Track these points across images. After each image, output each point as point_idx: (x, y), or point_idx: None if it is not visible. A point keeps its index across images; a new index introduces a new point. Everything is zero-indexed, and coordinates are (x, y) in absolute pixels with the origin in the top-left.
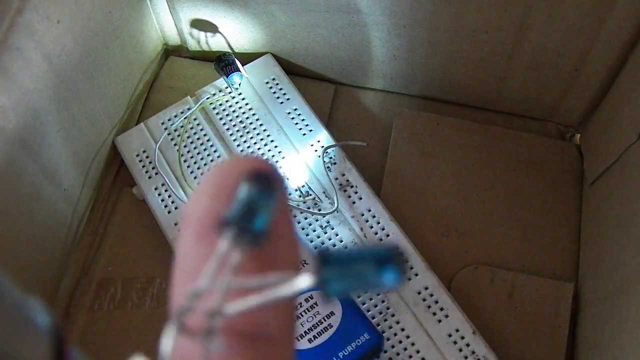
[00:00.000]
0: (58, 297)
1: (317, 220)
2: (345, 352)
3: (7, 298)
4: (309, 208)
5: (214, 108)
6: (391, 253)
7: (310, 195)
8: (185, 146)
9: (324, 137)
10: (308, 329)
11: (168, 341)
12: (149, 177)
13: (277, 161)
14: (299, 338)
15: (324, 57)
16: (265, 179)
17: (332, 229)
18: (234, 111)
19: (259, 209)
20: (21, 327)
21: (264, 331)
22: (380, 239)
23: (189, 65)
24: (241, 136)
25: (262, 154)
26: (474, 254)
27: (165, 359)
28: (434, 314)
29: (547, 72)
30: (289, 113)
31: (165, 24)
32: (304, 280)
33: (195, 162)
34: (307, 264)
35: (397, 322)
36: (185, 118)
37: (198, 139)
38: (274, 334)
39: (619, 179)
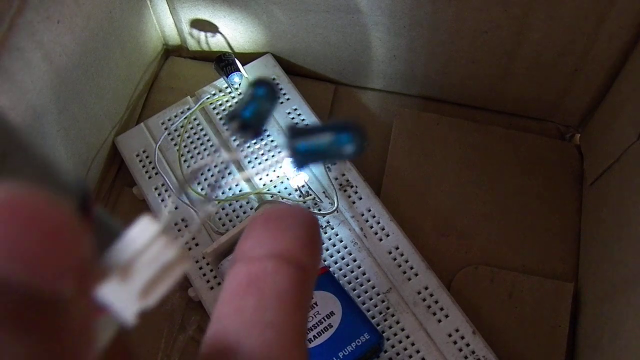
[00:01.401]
0: None
1: None
2: (345, 352)
3: (45, 157)
4: (309, 208)
5: (214, 108)
6: (349, 124)
7: (310, 195)
8: (185, 146)
9: None
10: (308, 329)
11: (169, 205)
12: (149, 177)
13: (277, 161)
14: None
15: (324, 57)
16: (266, 85)
17: (332, 228)
18: None
19: (260, 109)
20: (54, 175)
21: (300, 260)
22: (380, 239)
23: (189, 65)
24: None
25: (262, 154)
26: (474, 254)
27: (165, 220)
28: (434, 314)
29: (547, 72)
30: (289, 113)
31: (165, 24)
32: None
33: (195, 162)
34: None
35: (397, 322)
36: (185, 118)
37: (198, 139)
38: (307, 265)
39: (619, 179)
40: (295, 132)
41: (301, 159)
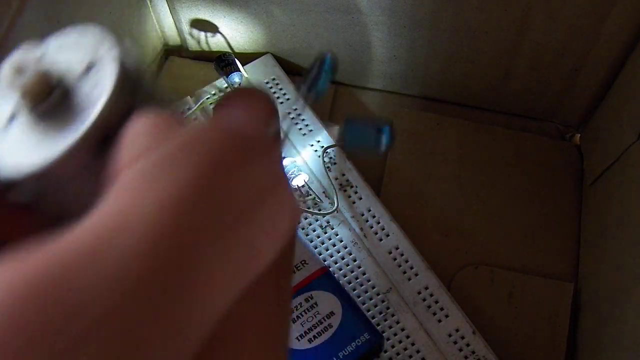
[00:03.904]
0: None
1: (317, 220)
2: (345, 352)
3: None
4: (309, 208)
5: (213, 108)
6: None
7: (310, 195)
8: None
9: (324, 137)
10: (308, 329)
11: None
12: None
13: None
14: (299, 338)
15: None
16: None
17: (332, 228)
18: None
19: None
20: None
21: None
22: (380, 239)
23: (189, 65)
24: None
25: None
26: (474, 254)
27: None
28: (434, 314)
29: (547, 72)
30: (289, 113)
31: (165, 24)
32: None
33: None
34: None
35: (397, 322)
36: (185, 118)
37: None
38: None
39: (619, 179)
40: (348, 122)
41: (348, 142)
